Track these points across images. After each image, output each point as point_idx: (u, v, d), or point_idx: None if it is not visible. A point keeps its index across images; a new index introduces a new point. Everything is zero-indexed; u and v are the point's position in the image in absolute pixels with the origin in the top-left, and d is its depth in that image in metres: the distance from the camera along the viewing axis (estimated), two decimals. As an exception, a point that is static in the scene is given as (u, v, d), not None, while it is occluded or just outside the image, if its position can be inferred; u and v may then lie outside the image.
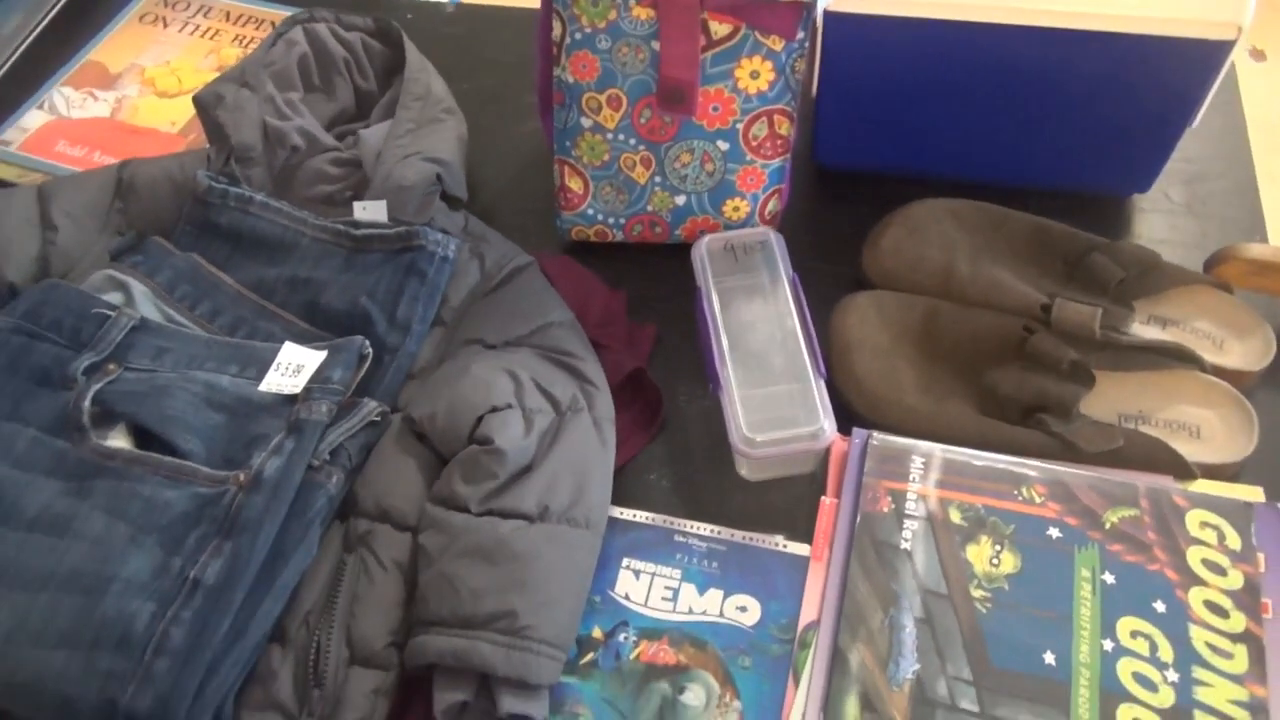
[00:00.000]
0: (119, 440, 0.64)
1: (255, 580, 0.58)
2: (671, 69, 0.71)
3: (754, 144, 0.75)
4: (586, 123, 0.75)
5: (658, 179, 0.77)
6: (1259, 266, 0.71)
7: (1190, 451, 0.66)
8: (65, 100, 0.95)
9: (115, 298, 0.71)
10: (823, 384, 0.68)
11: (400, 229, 0.73)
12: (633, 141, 0.75)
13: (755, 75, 0.72)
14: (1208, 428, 0.68)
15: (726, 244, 0.76)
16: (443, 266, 0.73)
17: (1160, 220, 0.82)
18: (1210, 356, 0.70)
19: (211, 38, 1.01)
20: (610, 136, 0.75)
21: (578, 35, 0.72)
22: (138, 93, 0.96)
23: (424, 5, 1.03)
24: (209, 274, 0.73)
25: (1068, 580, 0.60)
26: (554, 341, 0.71)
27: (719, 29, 0.70)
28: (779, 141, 0.75)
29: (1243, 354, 0.71)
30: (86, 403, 0.65)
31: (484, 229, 0.77)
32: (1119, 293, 0.72)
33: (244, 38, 1.00)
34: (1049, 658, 0.58)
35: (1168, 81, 0.71)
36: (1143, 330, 0.72)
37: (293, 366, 0.67)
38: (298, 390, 0.66)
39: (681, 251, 0.82)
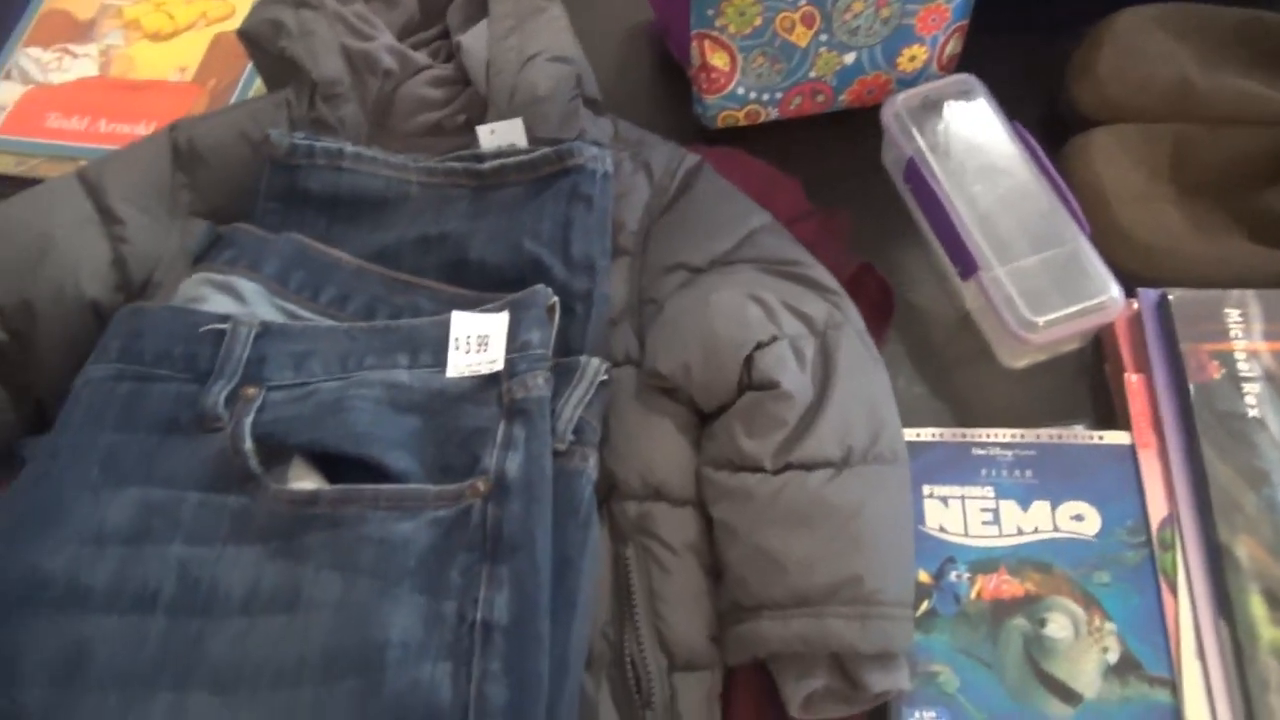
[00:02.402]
0: (306, 480, 0.51)
1: (553, 602, 0.47)
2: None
3: (938, -25, 0.63)
4: (735, -18, 0.62)
5: (823, 37, 0.65)
6: None
7: None
8: (36, 63, 0.77)
9: (219, 303, 0.57)
10: (1090, 244, 0.59)
11: (546, 151, 0.59)
12: (792, -4, 0.63)
13: (946, -113, 0.60)
14: None
15: (924, 100, 0.65)
16: (605, 186, 0.60)
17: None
18: None
19: (190, -44, 0.83)
20: (765, -5, 0.63)
21: (726, -128, 0.58)
22: (124, 40, 0.78)
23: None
24: (321, 254, 0.59)
25: None
26: (769, 251, 0.59)
27: None
28: (967, -33, 0.64)
29: None
30: (247, 443, 0.51)
31: (639, 131, 0.64)
32: (1365, 80, 0.64)
33: (232, -50, 0.83)
34: None
35: None
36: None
37: (474, 339, 0.55)
38: (497, 366, 0.53)
39: (843, 121, 0.71)
